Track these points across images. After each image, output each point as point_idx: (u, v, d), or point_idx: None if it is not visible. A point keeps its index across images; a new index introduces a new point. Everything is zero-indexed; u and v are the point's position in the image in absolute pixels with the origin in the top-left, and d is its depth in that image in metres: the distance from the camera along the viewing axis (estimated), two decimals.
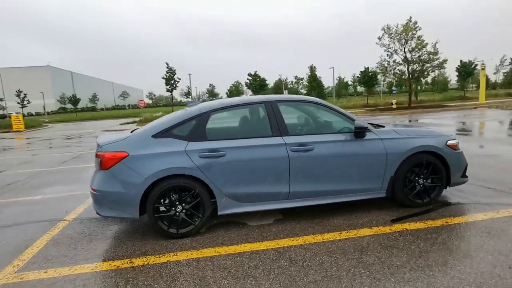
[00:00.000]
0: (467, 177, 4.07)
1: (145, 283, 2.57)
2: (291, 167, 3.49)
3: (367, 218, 3.62)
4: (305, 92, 32.26)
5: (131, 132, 3.80)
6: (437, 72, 27.52)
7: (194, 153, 3.34)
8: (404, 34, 20.96)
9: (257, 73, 26.91)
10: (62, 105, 78.08)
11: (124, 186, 3.25)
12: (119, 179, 3.26)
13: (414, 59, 21.71)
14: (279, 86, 59.62)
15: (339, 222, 3.56)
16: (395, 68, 22.33)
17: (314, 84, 28.35)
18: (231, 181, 3.41)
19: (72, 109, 73.65)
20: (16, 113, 27.64)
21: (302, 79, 74.99)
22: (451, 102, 27.90)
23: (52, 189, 5.79)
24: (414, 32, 20.88)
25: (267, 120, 3.61)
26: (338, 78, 73.31)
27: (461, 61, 34.60)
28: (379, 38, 21.90)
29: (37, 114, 68.99)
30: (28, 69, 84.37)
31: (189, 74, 31.32)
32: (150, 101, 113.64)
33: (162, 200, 3.31)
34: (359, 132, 3.59)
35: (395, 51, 21.89)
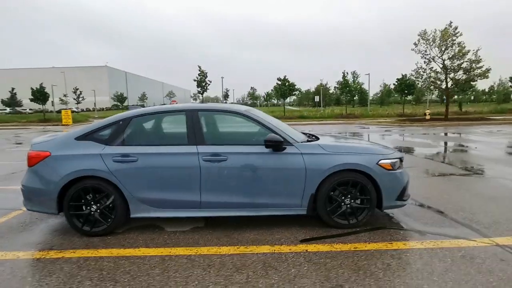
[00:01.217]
0: (405, 200, 3.74)
1: (23, 275, 2.77)
2: (202, 177, 3.50)
3: (280, 235, 3.50)
4: (345, 98, 31.22)
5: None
6: (482, 80, 24.84)
7: (109, 157, 3.50)
8: (442, 40, 19.46)
9: (286, 77, 26.79)
10: (115, 103, 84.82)
11: (44, 183, 3.52)
12: (40, 176, 3.53)
13: (454, 67, 20.04)
14: (319, 92, 58.65)
15: (250, 236, 3.48)
16: (430, 77, 20.79)
17: (346, 90, 27.44)
18: (142, 186, 3.51)
19: (123, 106, 79.65)
20: (67, 109, 30.50)
21: (351, 84, 73.33)
22: (499, 114, 25.26)
23: None
24: (454, 38, 19.29)
25: (185, 129, 3.66)
26: (383, 85, 70.20)
27: None
28: (415, 44, 20.58)
29: (93, 110, 75.66)
30: (88, 68, 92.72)
31: (222, 77, 32.23)
32: (195, 101, 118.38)
33: (77, 199, 3.52)
34: (270, 146, 3.48)
35: (433, 58, 20.41)
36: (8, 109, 60.01)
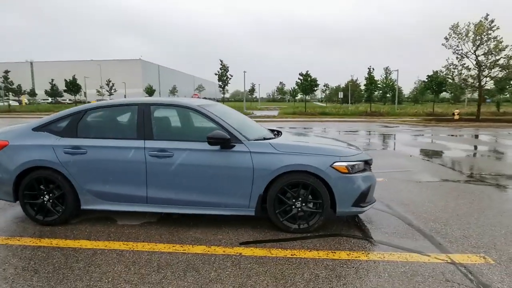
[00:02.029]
0: (363, 206, 3.46)
1: None
2: (148, 172, 3.46)
3: (223, 235, 3.38)
4: (368, 94, 29.90)
5: None
6: None
7: (60, 148, 3.55)
8: (476, 34, 17.99)
9: (308, 73, 26.16)
10: (147, 95, 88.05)
11: (2, 171, 3.64)
12: (10, 163, 3.66)
13: (489, 64, 18.49)
14: (347, 87, 56.80)
15: (193, 235, 3.40)
16: (461, 74, 19.34)
17: (371, 87, 26.27)
18: (91, 179, 3.54)
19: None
20: (97, 100, 32.06)
21: (377, 81, 70.55)
22: None
23: None
24: (490, 32, 17.76)
25: (135, 123, 3.62)
26: (417, 82, 66.64)
27: None
28: (446, 39, 19.20)
29: None
30: (123, 61, 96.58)
31: (244, 72, 32.07)
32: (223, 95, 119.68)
33: (31, 189, 3.61)
34: (213, 143, 3.34)
35: (465, 54, 18.95)
36: (50, 99, 64.02)
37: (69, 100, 66.33)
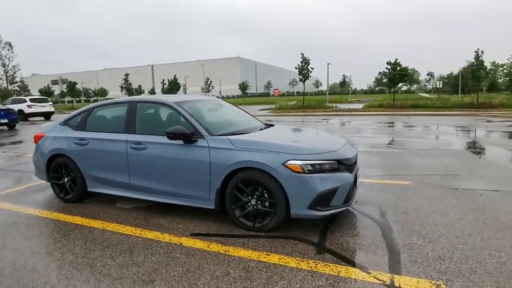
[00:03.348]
0: (320, 211, 3.15)
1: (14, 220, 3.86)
2: (129, 162, 3.90)
3: (184, 225, 3.57)
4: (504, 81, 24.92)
5: None
6: None
7: (72, 140, 4.31)
8: None
9: (398, 61, 23.42)
10: (245, 91, 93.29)
11: (39, 156, 4.63)
12: (38, 151, 4.66)
13: None
14: (462, 75, 48.54)
15: (162, 222, 3.68)
16: None
17: (481, 73, 21.72)
18: (91, 165, 4.19)
19: (250, 94, 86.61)
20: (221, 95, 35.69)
21: (503, 65, 58.30)
22: None
23: None
24: None
25: (124, 118, 4.09)
26: None
27: None
28: None
29: (224, 97, 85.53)
30: (223, 60, 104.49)
31: (328, 63, 30.90)
32: (317, 89, 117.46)
33: (56, 171, 4.49)
34: (171, 137, 3.51)
35: None
36: None
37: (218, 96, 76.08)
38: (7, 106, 19.31)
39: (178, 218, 3.76)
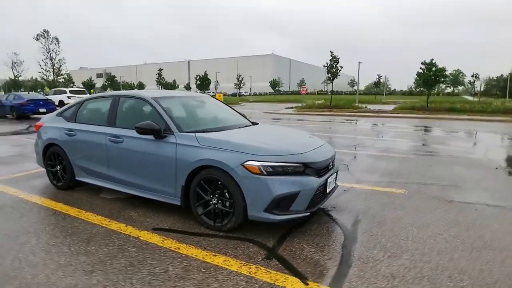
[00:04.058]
0: (277, 215, 3.04)
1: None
2: (108, 154, 4.02)
3: (150, 219, 3.62)
4: None
5: None
6: None
7: (63, 130, 4.53)
8: None
9: (434, 61, 21.96)
10: (277, 88, 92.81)
11: (38, 145, 4.93)
12: (38, 140, 4.96)
13: None
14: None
15: (132, 214, 3.76)
16: None
17: None
18: (78, 156, 4.37)
19: (283, 92, 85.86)
20: (216, 92, 36.16)
21: None
22: None
23: None
24: None
25: (107, 112, 4.22)
26: None
27: None
28: None
29: (256, 94, 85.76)
30: (257, 57, 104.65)
31: (359, 62, 29.77)
32: (352, 88, 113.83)
33: (50, 159, 4.75)
34: (140, 132, 3.55)
35: None
36: (199, 91, 76.27)
37: (213, 92, 77.46)
38: (47, 96, 20.84)
39: (149, 212, 3.82)
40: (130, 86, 66.87)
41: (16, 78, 40.88)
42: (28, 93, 22.65)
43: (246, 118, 4.82)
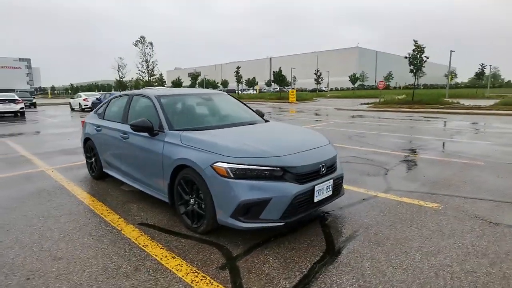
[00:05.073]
0: (243, 222, 2.80)
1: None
2: (121, 149, 4.30)
3: (144, 213, 3.75)
4: None
5: None
6: None
7: (94, 126, 5.03)
8: None
9: None
10: (361, 83, 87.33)
11: (82, 138, 5.59)
12: (82, 134, 5.62)
13: None
14: None
15: (131, 208, 3.92)
16: None
17: None
18: (102, 149, 4.80)
19: (367, 86, 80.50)
20: (289, 88, 35.75)
21: None
22: None
23: None
24: None
25: (123, 109, 4.50)
26: None
27: None
28: None
29: (337, 89, 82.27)
30: (340, 51, 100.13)
31: (451, 51, 25.51)
32: (451, 82, 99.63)
33: (87, 152, 5.34)
34: (134, 129, 3.65)
35: None
36: (278, 88, 76.89)
37: (293, 88, 77.22)
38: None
39: (149, 207, 3.95)
40: (211, 84, 71.53)
41: (121, 80, 47.51)
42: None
43: (259, 115, 4.61)
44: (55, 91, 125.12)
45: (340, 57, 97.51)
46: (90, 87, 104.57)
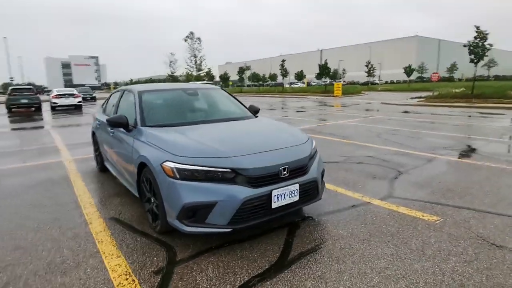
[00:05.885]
0: (186, 225, 2.66)
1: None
2: (109, 144, 4.41)
3: (121, 208, 3.80)
4: None
5: None
6: None
7: (96, 121, 5.25)
8: None
9: None
10: (420, 75, 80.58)
11: (90, 132, 5.89)
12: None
13: None
14: None
15: (119, 200, 4.03)
16: None
17: None
18: (102, 143, 4.98)
19: (426, 79, 74.06)
20: (338, 81, 34.24)
21: None
22: None
23: None
24: None
25: (115, 105, 4.59)
26: None
27: None
28: None
29: (393, 82, 76.87)
30: (395, 40, 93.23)
31: None
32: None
33: (95, 145, 5.60)
34: (110, 124, 3.65)
35: None
36: (328, 81, 74.28)
37: (344, 81, 73.85)
38: None
39: (131, 201, 3.99)
40: (257, 78, 71.64)
41: (173, 74, 49.90)
42: None
43: (252, 111, 4.41)
44: (117, 86, 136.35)
45: (397, 47, 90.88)
46: (146, 82, 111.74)
